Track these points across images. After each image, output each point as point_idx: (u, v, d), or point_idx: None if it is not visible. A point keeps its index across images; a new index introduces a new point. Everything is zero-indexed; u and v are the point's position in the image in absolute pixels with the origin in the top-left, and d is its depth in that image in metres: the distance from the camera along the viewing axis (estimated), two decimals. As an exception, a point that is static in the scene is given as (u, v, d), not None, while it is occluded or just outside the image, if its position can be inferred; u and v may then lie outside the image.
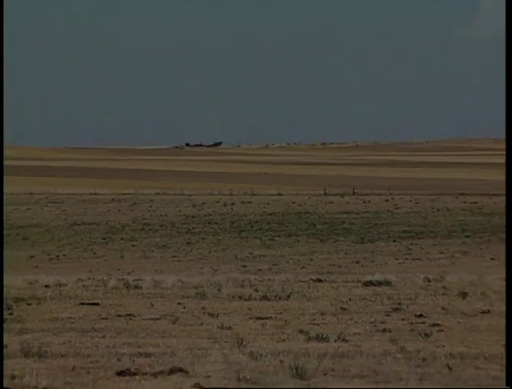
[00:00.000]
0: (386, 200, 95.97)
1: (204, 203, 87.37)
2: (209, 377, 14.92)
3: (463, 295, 27.07)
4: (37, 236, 62.80)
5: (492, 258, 47.26)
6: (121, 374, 15.42)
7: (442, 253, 49.89)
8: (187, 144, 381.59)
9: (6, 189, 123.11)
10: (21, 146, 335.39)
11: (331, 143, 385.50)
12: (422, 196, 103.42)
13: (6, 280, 31.56)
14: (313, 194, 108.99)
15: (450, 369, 15.87)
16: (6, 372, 15.53)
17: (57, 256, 48.45)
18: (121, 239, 62.28)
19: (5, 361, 16.59)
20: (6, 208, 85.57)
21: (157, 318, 22.42)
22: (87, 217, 77.67)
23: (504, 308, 24.72)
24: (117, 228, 69.68)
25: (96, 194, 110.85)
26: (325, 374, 15.35)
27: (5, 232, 64.41)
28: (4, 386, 9.11)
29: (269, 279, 32.32)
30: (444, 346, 18.32)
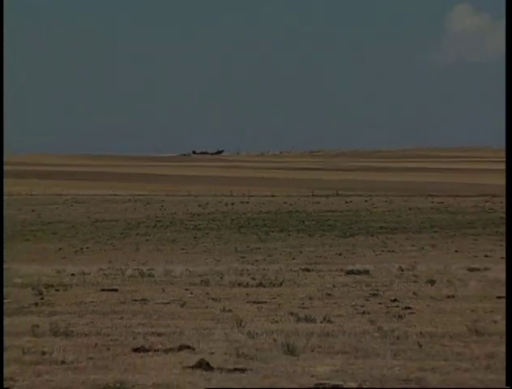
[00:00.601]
0: (365, 200, 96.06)
1: (208, 203, 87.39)
2: (212, 353, 14.91)
3: (432, 282, 27.04)
4: (64, 231, 62.82)
5: (456, 251, 47.38)
6: (136, 350, 15.42)
7: (414, 246, 50.04)
8: (194, 152, 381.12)
9: (38, 191, 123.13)
10: (46, 153, 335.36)
11: (318, 151, 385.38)
12: (396, 197, 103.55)
13: (39, 269, 31.46)
14: (302, 195, 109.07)
15: (420, 346, 15.86)
16: (38, 349, 15.51)
17: (81, 249, 48.68)
18: (137, 234, 62.32)
19: (36, 339, 16.56)
20: (37, 207, 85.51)
21: (167, 302, 22.38)
22: (107, 215, 77.67)
23: (467, 293, 24.70)
24: (133, 225, 69.74)
25: (114, 195, 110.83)
26: (312, 351, 15.34)
27: (37, 228, 64.27)
28: (4, 386, 8.74)
29: (264, 269, 32.30)
30: (415, 326, 18.30)
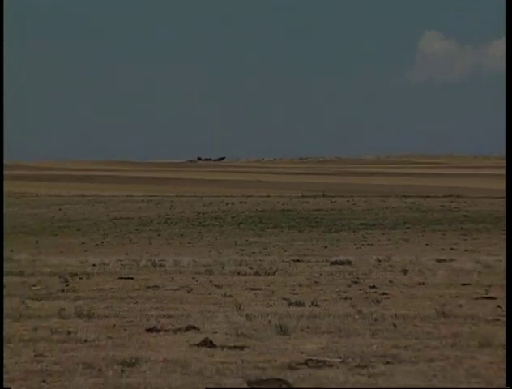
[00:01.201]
0: (347, 201, 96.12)
1: (211, 203, 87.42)
2: (215, 333, 14.90)
3: (405, 271, 27.04)
4: (87, 227, 62.80)
5: (426, 244, 47.42)
6: (149, 330, 15.40)
7: (389, 240, 50.09)
8: (199, 158, 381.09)
9: (64, 192, 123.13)
10: (71, 159, 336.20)
11: (306, 158, 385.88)
12: (374, 198, 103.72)
13: (65, 260, 31.46)
14: (293, 196, 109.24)
15: (395, 326, 15.85)
16: (64, 329, 15.49)
17: (102, 242, 48.68)
18: (150, 230, 62.32)
19: (63, 321, 16.53)
20: (64, 206, 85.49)
21: (176, 289, 22.38)
22: (123, 213, 77.73)
23: (436, 281, 24.71)
24: (147, 222, 69.75)
25: (130, 196, 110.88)
26: (302, 331, 15.33)
27: (64, 224, 64.26)
28: (4, 386, 8.98)
29: (260, 260, 32.31)
30: (390, 309, 18.28)
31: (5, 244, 43.52)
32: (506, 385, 5.78)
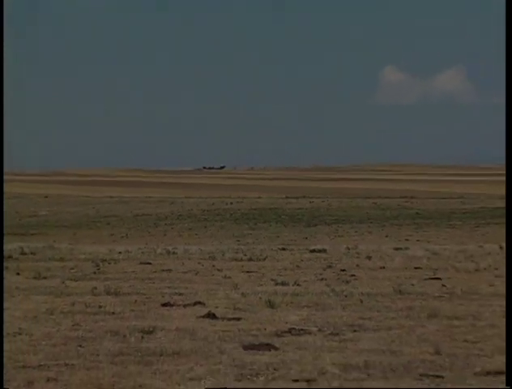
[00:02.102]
0: (323, 201, 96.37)
1: (214, 203, 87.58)
2: (217, 307, 14.87)
3: (369, 257, 27.03)
4: (114, 222, 62.80)
5: (386, 236, 47.51)
6: (164, 305, 15.38)
7: (356, 232, 50.10)
8: (204, 167, 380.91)
9: (97, 194, 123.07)
10: (105, 167, 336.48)
11: (291, 166, 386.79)
12: (344, 198, 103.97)
13: (97, 249, 31.45)
14: (280, 197, 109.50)
15: (361, 301, 15.85)
16: (96, 304, 15.47)
17: (126, 234, 48.64)
18: (165, 224, 62.32)
19: (95, 298, 16.51)
20: (97, 206, 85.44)
21: (186, 272, 22.36)
22: (144, 211, 77.79)
23: (393, 265, 24.70)
24: (162, 218, 69.76)
25: (149, 197, 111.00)
26: (286, 305, 15.31)
27: (96, 220, 64.11)
28: (4, 386, 8.24)
29: (253, 248, 32.29)
30: (357, 288, 18.30)
31: (50, 236, 43.56)
32: (506, 385, 5.21)
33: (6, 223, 61.77)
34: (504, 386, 6.76)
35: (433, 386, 8.86)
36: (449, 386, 8.85)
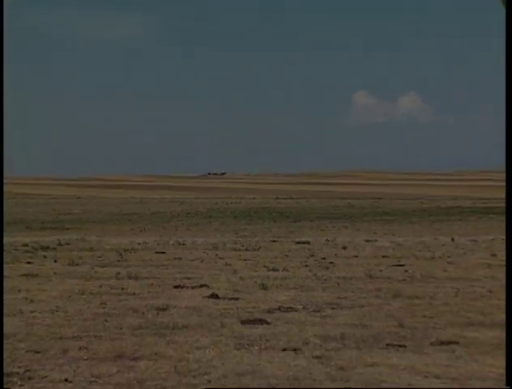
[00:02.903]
0: (306, 201, 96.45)
1: (217, 203, 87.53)
2: (219, 289, 14.84)
3: (344, 248, 26.97)
4: (135, 219, 62.53)
5: (357, 230, 47.31)
6: (175, 287, 15.35)
7: (334, 227, 49.76)
8: (209, 173, 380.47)
9: (122, 195, 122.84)
10: (127, 173, 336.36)
11: (281, 172, 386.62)
12: (324, 199, 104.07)
13: (120, 241, 31.40)
14: (271, 198, 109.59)
15: (338, 284, 15.84)
16: (119, 286, 15.44)
17: (144, 229, 48.23)
18: (176, 220, 62.10)
19: (118, 281, 16.46)
20: (121, 205, 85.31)
21: (193, 260, 22.31)
22: (159, 209, 77.59)
23: (365, 254, 24.67)
24: (174, 215, 69.58)
25: (163, 198, 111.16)
26: (276, 287, 15.30)
27: (119, 217, 63.90)
28: (4, 386, 7.32)
29: (249, 241, 32.24)
30: (335, 273, 18.27)
31: (81, 230, 43.52)
32: (506, 385, 5.40)
33: (46, 219, 61.44)
34: (504, 386, 6.42)
35: (398, 355, 8.85)
36: (410, 355, 8.84)
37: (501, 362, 8.27)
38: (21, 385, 7.21)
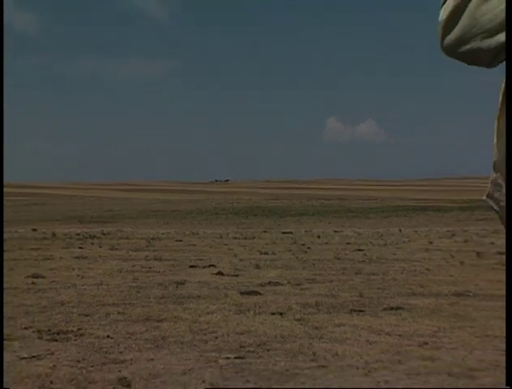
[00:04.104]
0: (289, 201, 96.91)
1: (221, 203, 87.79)
2: (223, 268, 14.86)
3: (319, 237, 26.97)
4: (159, 215, 62.54)
5: (329, 223, 47.40)
6: (190, 267, 15.34)
7: (310, 221, 49.89)
8: (216, 180, 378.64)
9: (149, 196, 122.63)
10: (149, 179, 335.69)
11: (270, 179, 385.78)
12: (303, 200, 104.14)
13: (148, 231, 31.34)
14: (263, 199, 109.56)
15: (314, 265, 15.88)
16: (147, 266, 15.41)
17: (167, 222, 48.17)
18: (191, 216, 62.07)
19: (147, 262, 16.44)
20: (148, 204, 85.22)
21: (204, 246, 22.28)
22: (178, 208, 77.72)
23: (334, 241, 24.70)
24: (188, 212, 69.61)
25: (180, 199, 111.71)
26: (267, 267, 15.28)
27: (148, 214, 63.83)
28: (4, 386, 6.64)
29: (246, 231, 32.24)
30: (311, 256, 18.26)
31: (119, 223, 43.49)
32: (506, 385, 4.36)
33: (93, 214, 60.94)
34: (504, 386, 5.94)
35: (358, 317, 8.83)
36: (368, 317, 8.82)
37: (435, 322, 8.30)
38: (75, 340, 7.17)
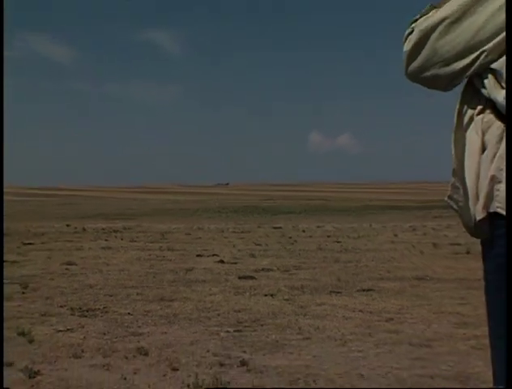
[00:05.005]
0: (280, 201, 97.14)
1: (222, 203, 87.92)
2: (224, 257, 14.83)
3: (304, 231, 26.76)
4: (171, 212, 62.48)
5: (312, 219, 47.21)
6: (197, 256, 15.23)
7: (297, 218, 49.42)
8: (218, 183, 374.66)
9: (162, 197, 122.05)
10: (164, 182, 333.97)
11: (263, 182, 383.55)
12: (291, 200, 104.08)
13: (161, 226, 31.21)
14: (258, 199, 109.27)
15: (299, 254, 15.84)
16: (160, 255, 15.37)
17: (177, 219, 48.25)
18: (197, 214, 62.03)
19: (160, 252, 16.37)
20: (161, 204, 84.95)
21: (208, 238, 22.20)
22: (186, 207, 77.57)
23: (316, 235, 24.60)
24: (195, 210, 69.66)
25: (187, 199, 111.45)
26: (260, 256, 15.21)
27: (161, 212, 63.55)
28: (4, 386, 3.51)
29: (243, 226, 32.14)
30: (298, 247, 18.17)
31: (137, 220, 43.30)
32: (507, 385, 1.56)
33: (116, 212, 60.45)
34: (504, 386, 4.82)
35: (336, 298, 8.83)
36: (344, 297, 8.82)
37: (399, 301, 8.34)
38: (101, 316, 7.18)
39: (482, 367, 4.69)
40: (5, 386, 3.62)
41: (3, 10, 2.42)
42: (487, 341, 1.46)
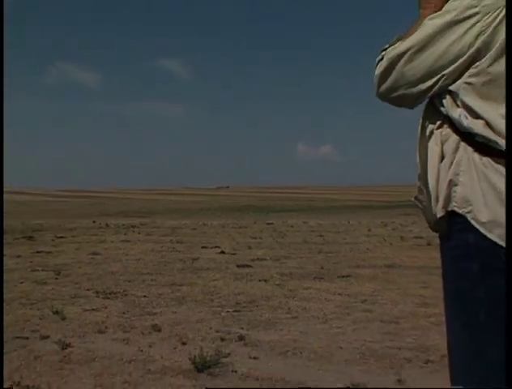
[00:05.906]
0: (274, 201, 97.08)
1: (223, 203, 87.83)
2: (225, 248, 14.76)
3: (292, 226, 26.72)
4: (180, 211, 62.18)
5: (299, 217, 47.04)
6: (202, 247, 15.13)
7: (286, 215, 49.36)
8: (218, 187, 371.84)
9: (171, 198, 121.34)
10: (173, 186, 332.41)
11: (259, 185, 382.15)
12: (282, 201, 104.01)
13: (171, 222, 31.09)
14: (255, 200, 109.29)
15: (289, 246, 15.73)
16: (170, 247, 15.32)
17: (186, 216, 48.12)
18: (202, 213, 62.00)
19: (171, 244, 16.29)
20: (172, 204, 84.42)
21: (211, 233, 22.12)
22: (192, 207, 77.46)
23: (304, 229, 24.53)
24: (199, 209, 69.54)
25: (192, 200, 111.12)
26: (256, 248, 15.16)
27: (172, 211, 63.20)
28: (4, 386, 2.92)
29: (241, 223, 32.09)
30: (287, 240, 18.11)
31: (152, 218, 43.11)
32: (507, 385, 1.26)
33: (133, 210, 60.35)
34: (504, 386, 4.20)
35: (320, 283, 8.81)
36: (326, 283, 8.82)
37: (372, 285, 8.36)
38: (121, 298, 7.17)
39: (440, 340, 4.73)
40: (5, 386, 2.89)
41: (3, 10, 2.23)
42: (444, 318, 1.46)
